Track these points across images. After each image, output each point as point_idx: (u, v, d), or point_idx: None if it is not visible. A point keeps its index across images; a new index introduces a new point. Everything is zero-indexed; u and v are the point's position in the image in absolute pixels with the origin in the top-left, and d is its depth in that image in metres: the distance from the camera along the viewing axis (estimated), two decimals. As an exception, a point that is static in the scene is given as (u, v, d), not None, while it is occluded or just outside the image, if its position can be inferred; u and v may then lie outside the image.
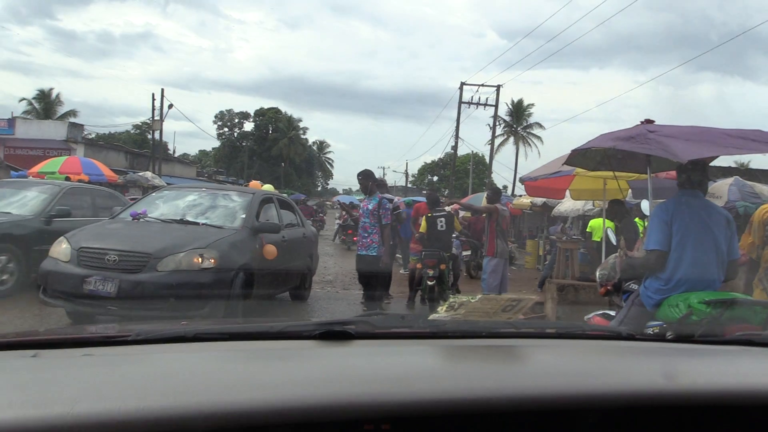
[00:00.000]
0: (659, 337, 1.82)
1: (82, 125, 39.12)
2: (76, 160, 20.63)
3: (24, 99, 47.07)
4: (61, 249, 6.42)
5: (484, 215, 8.94)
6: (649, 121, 4.08)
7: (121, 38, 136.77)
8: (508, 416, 1.14)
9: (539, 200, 17.09)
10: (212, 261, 6.24)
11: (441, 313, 1.85)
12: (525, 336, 1.71)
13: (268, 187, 13.86)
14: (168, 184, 36.56)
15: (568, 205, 14.56)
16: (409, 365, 1.32)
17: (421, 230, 8.91)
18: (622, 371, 1.37)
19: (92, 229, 7.16)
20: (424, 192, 11.76)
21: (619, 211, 8.21)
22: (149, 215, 7.45)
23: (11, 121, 35.72)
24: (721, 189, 9.53)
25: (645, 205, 4.24)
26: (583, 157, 4.63)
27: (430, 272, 8.20)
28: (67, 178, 17.42)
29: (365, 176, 8.23)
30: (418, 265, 8.51)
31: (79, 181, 15.22)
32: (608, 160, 4.53)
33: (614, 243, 5.01)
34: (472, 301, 1.89)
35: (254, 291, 6.84)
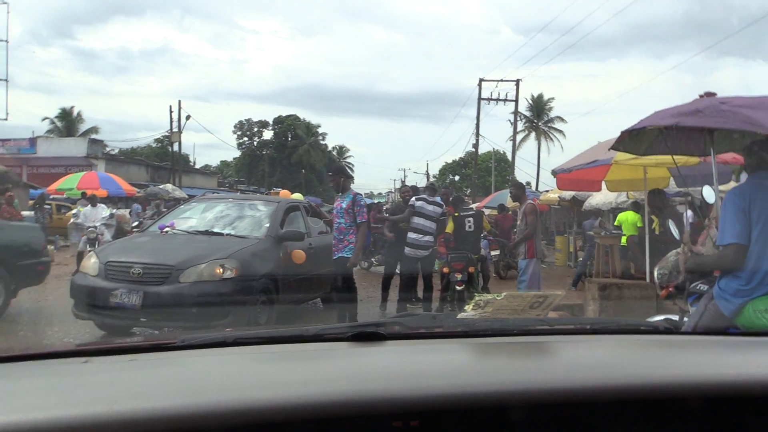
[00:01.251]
0: (699, 332, 1.84)
1: (102, 141, 39.59)
2: (94, 176, 20.52)
3: (47, 118, 47.78)
4: (90, 263, 6.63)
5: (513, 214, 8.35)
6: (710, 94, 3.50)
7: (140, 54, 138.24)
8: (539, 411, 1.13)
9: (568, 195, 16.37)
10: (234, 271, 6.36)
11: (469, 311, 1.80)
12: (558, 332, 1.67)
13: (297, 196, 13.61)
14: (189, 195, 36.67)
15: (599, 198, 13.87)
16: (439, 362, 1.32)
17: (447, 231, 8.35)
18: (657, 364, 1.34)
19: (120, 243, 7.78)
20: (443, 190, 11.15)
21: (660, 201, 7.58)
22: (177, 228, 7.65)
23: (32, 141, 36.11)
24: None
25: (708, 192, 3.66)
26: (632, 139, 4.05)
27: (458, 276, 7.64)
28: (84, 194, 17.21)
29: (336, 172, 7.48)
30: (445, 269, 7.93)
31: (92, 195, 14.86)
32: (661, 142, 3.94)
33: (676, 237, 4.40)
34: (498, 298, 1.83)
35: (282, 298, 7.00)
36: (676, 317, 3.72)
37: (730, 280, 3.05)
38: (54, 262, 15.23)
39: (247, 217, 7.89)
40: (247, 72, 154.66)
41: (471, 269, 7.70)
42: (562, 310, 7.67)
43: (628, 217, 10.82)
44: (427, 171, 75.66)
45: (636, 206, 11.61)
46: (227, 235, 7.37)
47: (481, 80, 34.72)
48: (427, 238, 8.43)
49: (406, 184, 9.69)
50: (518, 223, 8.12)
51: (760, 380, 1.22)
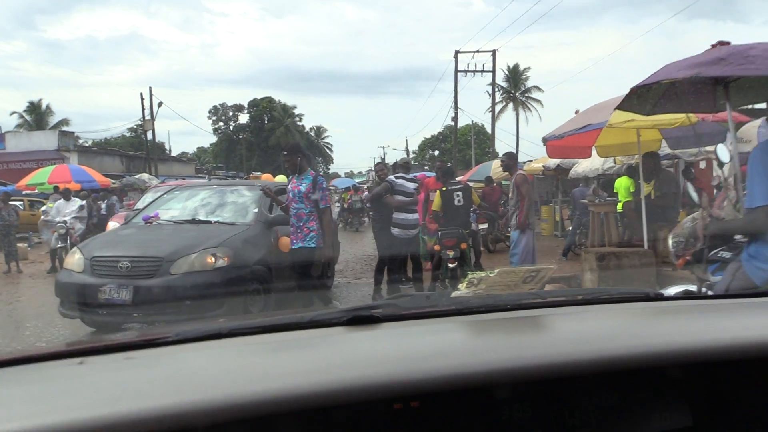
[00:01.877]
0: (690, 295, 1.84)
1: (73, 133, 38.59)
2: (65, 169, 19.90)
3: (15, 112, 46.65)
4: (75, 260, 6.39)
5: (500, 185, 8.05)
6: (723, 43, 3.18)
7: (107, 43, 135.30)
8: (537, 385, 1.16)
9: (552, 163, 16.16)
10: (225, 259, 6.18)
11: (462, 290, 1.79)
12: (551, 305, 1.66)
13: (281, 179, 13.15)
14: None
15: (585, 165, 13.62)
16: (435, 342, 1.32)
17: (434, 207, 8.03)
18: (648, 331, 1.35)
19: (104, 237, 7.46)
20: (430, 166, 10.75)
21: (655, 165, 7.32)
22: (162, 218, 7.40)
23: (0, 136, 35.03)
24: (750, 132, 8.59)
25: (722, 151, 3.36)
26: (640, 98, 3.73)
27: (450, 253, 7.33)
28: (56, 188, 16.65)
29: (291, 151, 6.43)
30: (436, 247, 7.61)
31: (65, 189, 14.34)
32: (668, 99, 3.64)
33: (695, 200, 4.11)
34: (491, 275, 1.82)
35: (275, 285, 6.73)
36: (694, 287, 3.42)
37: (761, 245, 2.76)
38: (27, 260, 14.87)
39: (233, 204, 7.60)
40: (219, 56, 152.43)
41: (463, 245, 7.39)
42: (558, 282, 7.43)
43: (622, 183, 10.59)
44: (406, 147, 75.26)
45: (630, 171, 11.41)
46: (215, 222, 7.14)
47: (457, 52, 34.41)
48: (414, 215, 8.21)
49: (384, 162, 9.32)
50: (510, 195, 7.82)
51: (747, 342, 1.22)
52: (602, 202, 8.41)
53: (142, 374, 1.22)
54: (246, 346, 1.41)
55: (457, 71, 34.33)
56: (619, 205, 8.81)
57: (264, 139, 77.36)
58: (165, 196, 8.37)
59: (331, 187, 41.40)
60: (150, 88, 37.58)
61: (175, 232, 6.87)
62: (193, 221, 7.22)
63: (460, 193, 7.79)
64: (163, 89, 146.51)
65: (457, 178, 9.38)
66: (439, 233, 7.56)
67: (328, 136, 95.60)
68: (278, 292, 6.68)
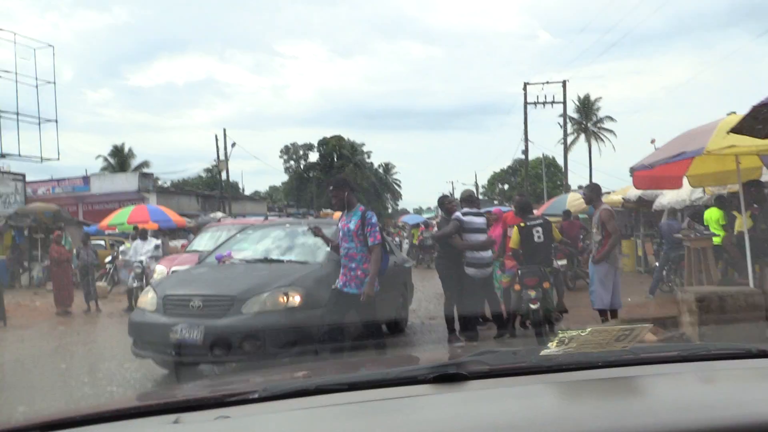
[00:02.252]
0: None
1: (152, 174, 40.13)
2: (143, 209, 20.49)
3: (100, 156, 49.08)
4: (148, 298, 6.38)
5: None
6: None
7: (185, 88, 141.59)
8: None
9: (633, 195, 15.39)
10: (298, 299, 6.03)
11: (552, 348, 1.70)
12: (644, 362, 1.58)
13: None
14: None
15: (670, 196, 12.84)
16: (526, 408, 1.28)
17: (512, 245, 7.60)
18: (754, 397, 1.25)
19: (178, 276, 7.48)
20: (500, 200, 10.10)
21: (759, 194, 6.68)
22: (234, 257, 7.32)
23: (86, 179, 36.97)
24: None
25: None
26: (756, 119, 3.30)
27: (532, 293, 6.85)
28: (136, 228, 17.12)
29: (337, 186, 6.00)
30: (516, 287, 7.16)
31: (142, 229, 14.72)
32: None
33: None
34: (583, 334, 1.74)
35: (354, 328, 6.22)
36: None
37: None
38: (107, 298, 15.24)
39: (305, 242, 7.44)
40: (290, 97, 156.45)
41: (546, 284, 6.90)
42: (651, 322, 6.83)
43: (711, 215, 9.85)
44: (475, 181, 74.39)
45: (720, 202, 10.62)
46: (287, 261, 7.03)
47: (526, 84, 34.01)
48: (489, 253, 7.86)
49: (449, 195, 8.92)
50: (594, 231, 7.33)
51: None
52: (699, 237, 7.72)
53: None
54: (332, 407, 1.39)
55: (526, 103, 33.82)
56: (717, 239, 8.10)
57: (333, 176, 78.10)
58: (238, 235, 8.35)
59: (400, 224, 41.15)
60: (224, 129, 38.68)
61: (247, 271, 6.78)
62: (266, 260, 7.12)
63: (540, 228, 7.34)
64: (236, 130, 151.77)
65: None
66: (519, 272, 7.11)
67: (396, 173, 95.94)
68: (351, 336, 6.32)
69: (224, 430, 1.29)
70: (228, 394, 1.54)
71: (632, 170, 6.83)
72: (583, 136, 56.54)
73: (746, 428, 1.08)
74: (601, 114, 57.68)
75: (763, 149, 5.49)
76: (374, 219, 5.95)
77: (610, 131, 57.17)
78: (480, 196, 72.15)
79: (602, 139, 57.26)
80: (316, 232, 6.33)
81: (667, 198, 13.03)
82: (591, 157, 54.12)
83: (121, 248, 16.19)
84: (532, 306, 6.82)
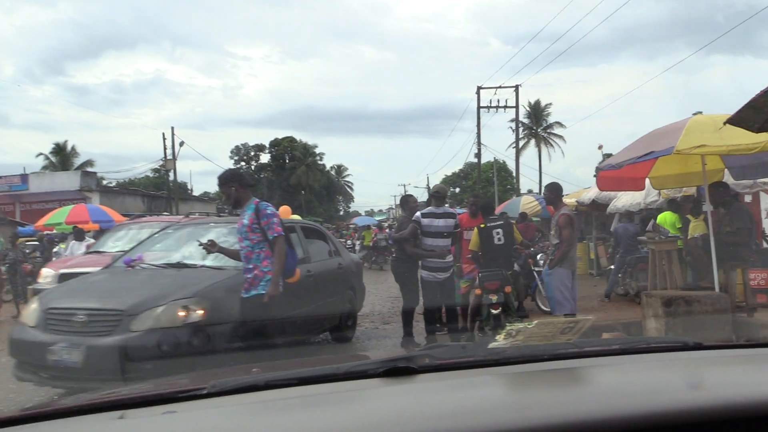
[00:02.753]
0: (730, 344, 1.91)
1: (95, 173, 38.66)
2: (83, 208, 19.46)
3: (41, 154, 47.27)
4: (30, 311, 5.50)
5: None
6: None
7: (133, 87, 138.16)
8: None
9: (587, 198, 15.39)
10: (201, 312, 5.09)
11: (500, 341, 1.75)
12: (588, 355, 1.64)
13: (296, 218, 12.54)
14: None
15: (625, 199, 12.79)
16: (474, 398, 1.31)
17: (471, 247, 7.26)
18: (690, 384, 1.33)
19: (69, 284, 6.34)
20: (450, 203, 9.39)
21: (724, 195, 6.53)
22: (146, 261, 6.35)
23: (24, 177, 35.36)
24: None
25: None
26: (754, 109, 3.03)
27: (493, 298, 6.53)
28: (75, 228, 16.21)
29: (223, 181, 5.38)
30: (477, 291, 6.80)
31: (79, 229, 13.89)
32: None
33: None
34: (529, 327, 1.79)
35: (276, 338, 5.42)
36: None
37: None
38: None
39: (227, 242, 6.30)
40: (241, 98, 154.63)
41: (507, 289, 6.60)
42: (618, 331, 6.61)
43: (666, 219, 9.76)
44: (427, 185, 74.45)
45: (673, 205, 10.55)
46: (201, 266, 6.00)
47: (479, 88, 33.93)
48: (447, 258, 7.37)
49: (412, 194, 8.31)
50: (551, 233, 7.06)
51: None
52: (664, 240, 7.55)
53: (182, 431, 1.22)
54: (283, 400, 1.39)
55: (479, 107, 33.82)
56: (680, 242, 7.94)
57: (285, 178, 77.56)
58: (156, 235, 7.25)
59: (352, 226, 40.92)
60: (172, 128, 37.56)
61: (150, 279, 5.83)
62: (179, 265, 6.09)
63: (500, 230, 7.03)
64: (186, 130, 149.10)
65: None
66: (480, 276, 6.78)
67: (348, 175, 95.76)
68: (288, 346, 5.67)
69: (170, 424, 1.26)
70: (176, 391, 1.51)
71: (598, 170, 6.59)
72: (533, 141, 57.40)
73: (680, 413, 1.11)
74: (550, 120, 58.81)
75: (733, 149, 5.30)
76: (270, 209, 5.28)
77: (560, 137, 58.30)
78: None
79: (552, 145, 58.34)
80: (208, 248, 5.44)
81: (622, 201, 12.99)
82: (541, 161, 55.07)
83: (55, 249, 15.28)
84: (493, 311, 6.50)
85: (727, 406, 1.14)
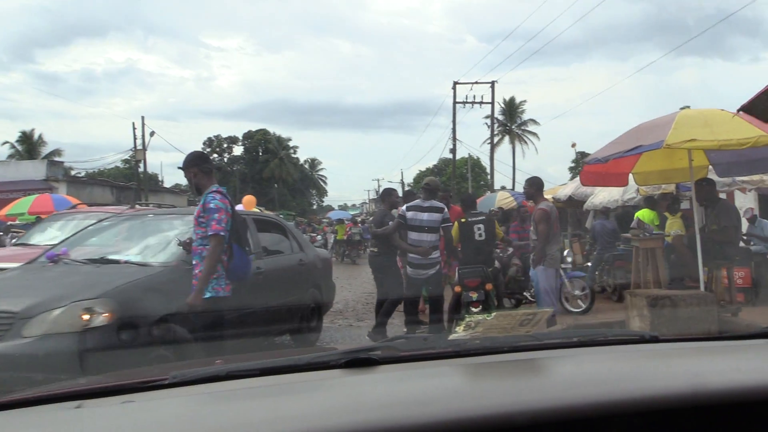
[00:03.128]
0: (685, 337, 1.92)
1: (62, 163, 37.72)
2: (47, 198, 18.87)
3: (6, 142, 45.97)
4: None
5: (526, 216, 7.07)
6: None
7: (104, 76, 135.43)
8: (532, 430, 1.15)
9: (563, 194, 15.29)
10: (107, 315, 4.42)
11: (460, 332, 1.79)
12: (547, 347, 1.67)
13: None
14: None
15: (602, 196, 12.68)
16: (433, 387, 1.33)
17: (453, 241, 7.03)
18: (645, 375, 1.36)
19: None
20: (441, 193, 8.68)
21: (711, 193, 6.38)
22: (70, 256, 5.66)
23: (-14, 166, 34.18)
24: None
25: None
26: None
27: (474, 296, 6.30)
28: (39, 218, 15.65)
29: (185, 165, 4.95)
30: (456, 288, 6.56)
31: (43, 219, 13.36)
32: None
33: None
34: (488, 318, 1.83)
35: (214, 343, 4.86)
36: None
37: None
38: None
39: (163, 237, 5.84)
40: (215, 89, 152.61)
41: (488, 286, 6.38)
42: (599, 326, 6.43)
43: (644, 216, 9.64)
44: (402, 179, 74.38)
45: (650, 202, 10.44)
46: (124, 262, 5.40)
47: (455, 83, 33.83)
48: (432, 254, 6.89)
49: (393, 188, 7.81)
50: (531, 229, 6.86)
51: (742, 385, 1.22)
52: (648, 237, 7.38)
53: (140, 420, 1.20)
54: (244, 390, 1.40)
55: (455, 102, 33.71)
56: (669, 238, 7.77)
57: (258, 171, 76.87)
58: (90, 227, 6.54)
59: (325, 220, 40.54)
60: (142, 117, 36.90)
61: (62, 276, 5.20)
62: (101, 260, 5.47)
63: (481, 225, 6.81)
64: (158, 121, 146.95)
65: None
66: (459, 272, 6.54)
67: (322, 169, 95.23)
68: (233, 349, 5.07)
69: (129, 413, 1.24)
70: (137, 382, 1.49)
71: (584, 163, 6.38)
72: (507, 138, 57.58)
73: (634, 402, 1.14)
74: (525, 117, 59.08)
75: (724, 144, 5.14)
76: (215, 203, 4.63)
77: (534, 134, 58.61)
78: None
79: (526, 142, 58.63)
80: (186, 247, 5.03)
81: (599, 198, 12.89)
82: (515, 158, 55.28)
83: (14, 241, 14.69)
84: (473, 309, 6.27)
85: (677, 395, 1.17)
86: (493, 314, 1.84)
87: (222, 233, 4.56)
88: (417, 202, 7.09)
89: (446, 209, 6.93)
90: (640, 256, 7.02)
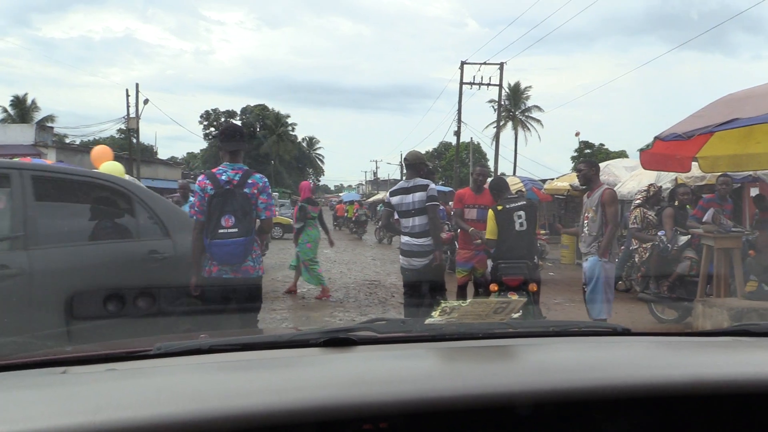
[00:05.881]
0: (655, 332, 2.00)
1: (52, 128, 36.41)
2: (26, 162, 17.67)
3: (-1, 106, 44.46)
4: None
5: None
6: None
7: (102, 44, 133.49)
8: (507, 414, 1.20)
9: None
10: None
11: (435, 317, 1.78)
12: (521, 335, 1.74)
13: (114, 169, 8.15)
14: (148, 187, 33.87)
15: (631, 185, 11.66)
16: (407, 367, 1.37)
17: (488, 235, 5.91)
18: (613, 364, 1.39)
19: None
20: (477, 168, 7.03)
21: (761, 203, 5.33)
22: None
23: (-28, 128, 32.96)
24: None
25: None
26: None
27: (513, 297, 5.23)
28: None
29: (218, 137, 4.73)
30: (493, 287, 5.42)
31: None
32: None
33: None
34: (464, 305, 1.84)
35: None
36: None
37: None
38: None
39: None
40: (213, 63, 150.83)
41: (533, 287, 5.31)
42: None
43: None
44: (400, 161, 73.21)
45: (672, 196, 9.45)
46: None
47: (463, 63, 32.74)
48: (420, 240, 5.64)
49: (427, 164, 6.29)
50: (588, 215, 5.79)
51: (708, 379, 1.26)
52: (726, 234, 6.21)
53: (123, 385, 1.24)
54: (224, 363, 1.44)
55: (462, 83, 32.58)
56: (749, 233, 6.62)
57: (255, 146, 75.59)
58: None
59: (335, 200, 41.27)
60: (137, 84, 35.26)
61: None
62: None
63: (522, 213, 5.68)
64: (155, 93, 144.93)
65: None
66: (497, 267, 5.46)
67: (320, 148, 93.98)
68: None
69: (113, 379, 1.29)
70: (121, 351, 1.53)
71: (657, 138, 5.29)
72: (510, 124, 56.52)
73: (602, 389, 1.20)
74: (529, 103, 58.05)
75: None
76: (194, 186, 4.53)
77: (537, 120, 57.68)
78: (404, 178, 70.47)
79: (528, 128, 57.68)
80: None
81: (627, 187, 11.85)
82: (517, 144, 54.33)
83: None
84: (514, 315, 5.19)
85: (641, 385, 1.22)
86: (468, 301, 1.84)
87: (194, 216, 4.53)
88: (401, 183, 5.94)
89: (431, 185, 5.73)
90: (712, 257, 5.92)
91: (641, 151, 5.45)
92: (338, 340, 1.49)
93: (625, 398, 1.21)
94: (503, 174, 36.45)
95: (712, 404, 1.27)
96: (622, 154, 45.99)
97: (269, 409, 1.05)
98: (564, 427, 1.25)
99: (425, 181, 5.73)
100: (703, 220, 6.64)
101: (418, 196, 5.64)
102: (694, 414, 1.28)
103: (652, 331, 2.04)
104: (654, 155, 5.55)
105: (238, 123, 78.96)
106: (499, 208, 5.79)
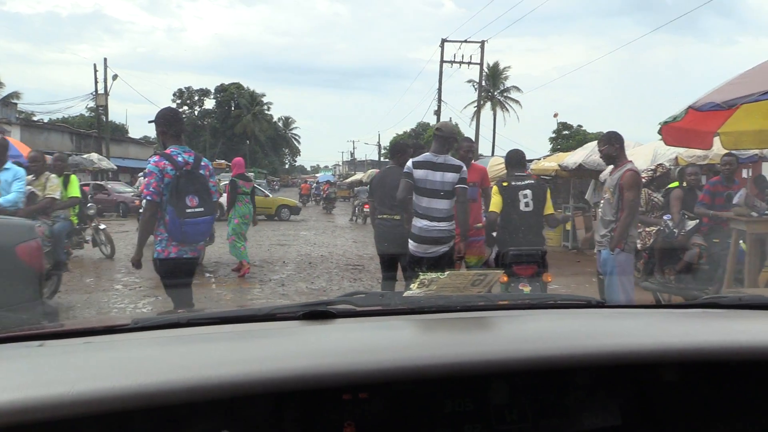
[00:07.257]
0: (631, 305, 2.16)
1: (16, 104, 35.00)
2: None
3: (-39, 83, 42.61)
4: None
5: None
6: None
7: (69, 20, 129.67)
8: (478, 381, 1.23)
9: (572, 163, 13.70)
10: None
11: (414, 290, 1.82)
12: (498, 308, 1.75)
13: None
14: (117, 167, 32.65)
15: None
16: (385, 338, 1.38)
17: (492, 207, 5.29)
18: (586, 334, 1.40)
19: None
20: (465, 143, 6.07)
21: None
22: None
23: (-70, 104, 31.47)
24: None
25: None
26: None
27: (526, 289, 4.63)
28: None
29: (157, 120, 4.57)
30: (503, 278, 4.75)
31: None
32: None
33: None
34: (442, 277, 1.86)
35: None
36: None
37: None
38: None
39: None
40: (186, 41, 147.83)
41: (547, 277, 4.71)
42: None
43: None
44: (378, 141, 72.54)
45: (682, 175, 8.96)
46: None
47: (443, 40, 32.10)
48: (443, 224, 4.95)
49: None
50: (605, 196, 5.20)
51: (678, 347, 1.29)
52: (760, 218, 5.60)
53: (100, 357, 1.24)
54: (203, 335, 1.43)
55: (443, 61, 31.99)
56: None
57: (230, 126, 74.23)
58: None
59: (310, 180, 42.96)
60: (105, 59, 33.93)
61: None
62: None
63: (528, 192, 5.07)
64: (127, 71, 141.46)
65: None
66: (507, 254, 4.83)
67: (296, 128, 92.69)
68: None
69: (90, 351, 1.28)
70: (98, 326, 1.53)
71: (691, 107, 4.66)
72: (489, 105, 56.15)
73: (573, 356, 1.22)
74: (507, 84, 57.75)
75: None
76: (149, 167, 4.43)
77: (516, 101, 57.45)
78: (382, 159, 69.95)
79: (507, 109, 57.44)
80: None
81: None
82: (495, 124, 54.00)
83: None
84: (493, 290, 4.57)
85: (613, 353, 1.25)
86: (446, 273, 1.83)
87: (149, 198, 4.36)
88: (427, 156, 5.08)
89: (464, 167, 5.04)
90: (753, 245, 5.30)
91: (664, 124, 4.84)
92: (317, 313, 1.49)
93: (599, 366, 1.25)
94: (482, 155, 35.99)
95: (685, 373, 1.33)
96: (599, 136, 45.97)
97: (249, 378, 1.05)
98: (541, 396, 1.26)
99: (458, 162, 5.03)
100: (734, 201, 6.06)
101: (450, 177, 4.96)
102: (667, 382, 1.32)
103: (626, 304, 2.00)
104: (679, 130, 4.94)
105: (213, 101, 77.51)
106: (505, 184, 5.17)
